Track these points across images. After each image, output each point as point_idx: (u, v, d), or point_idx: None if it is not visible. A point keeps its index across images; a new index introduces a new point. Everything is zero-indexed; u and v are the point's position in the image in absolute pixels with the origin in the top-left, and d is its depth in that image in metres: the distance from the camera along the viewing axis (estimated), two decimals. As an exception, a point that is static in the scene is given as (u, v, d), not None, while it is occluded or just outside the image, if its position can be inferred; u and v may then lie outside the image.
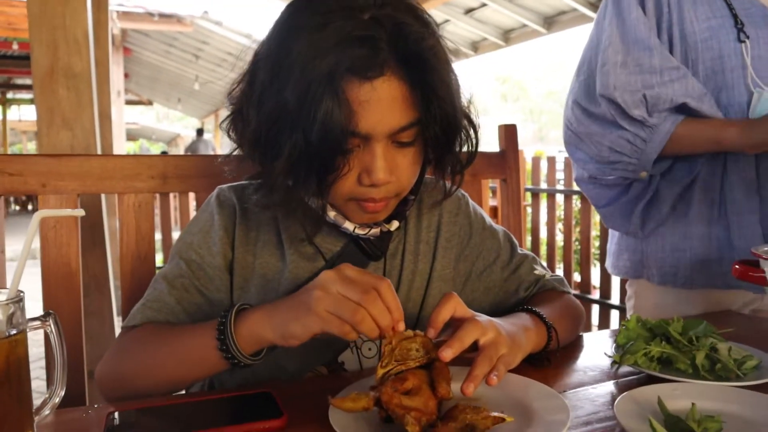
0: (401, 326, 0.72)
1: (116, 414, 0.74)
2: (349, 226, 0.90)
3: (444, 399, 0.68)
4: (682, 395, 0.76)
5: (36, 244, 1.09)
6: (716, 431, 0.66)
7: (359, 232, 0.91)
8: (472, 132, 0.92)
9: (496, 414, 0.66)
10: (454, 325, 0.76)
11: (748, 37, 1.26)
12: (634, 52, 1.28)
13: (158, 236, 4.82)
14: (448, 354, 0.70)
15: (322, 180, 0.82)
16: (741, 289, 1.32)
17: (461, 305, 0.77)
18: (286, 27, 0.82)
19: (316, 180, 0.82)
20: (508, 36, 7.29)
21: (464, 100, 0.89)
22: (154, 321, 0.91)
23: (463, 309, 0.77)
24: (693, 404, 0.69)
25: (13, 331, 0.62)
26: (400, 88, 0.79)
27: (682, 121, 1.26)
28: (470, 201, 1.09)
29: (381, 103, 0.78)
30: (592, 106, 1.32)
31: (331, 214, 0.90)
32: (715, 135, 1.22)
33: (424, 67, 0.79)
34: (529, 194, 4.60)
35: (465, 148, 0.93)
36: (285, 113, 0.79)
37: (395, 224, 0.94)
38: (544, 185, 4.54)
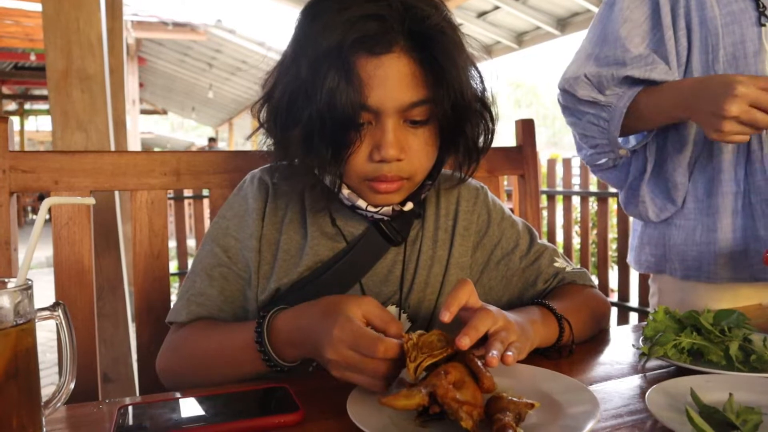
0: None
1: (127, 408, 0.72)
2: (362, 203, 0.91)
3: (489, 391, 0.67)
4: (715, 387, 0.72)
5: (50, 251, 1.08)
6: (756, 423, 0.63)
7: (371, 209, 0.92)
8: (487, 116, 0.92)
9: (527, 401, 0.66)
10: (464, 315, 0.75)
11: None
12: (604, 46, 1.29)
13: (173, 243, 4.87)
14: (465, 342, 0.68)
15: (336, 155, 0.84)
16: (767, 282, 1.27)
17: (474, 294, 0.76)
18: (310, 14, 0.86)
19: (331, 154, 0.84)
20: (521, 39, 7.27)
21: (475, 83, 0.89)
22: (200, 316, 0.93)
23: (475, 298, 0.76)
24: (730, 395, 0.66)
25: (21, 320, 0.61)
26: (409, 65, 0.81)
27: (639, 93, 1.24)
28: (489, 192, 1.07)
29: (389, 79, 0.81)
30: (560, 101, 1.39)
31: (345, 191, 0.91)
32: (671, 113, 1.21)
33: (433, 45, 0.81)
34: (544, 197, 4.55)
35: (481, 137, 0.93)
36: (300, 86, 0.83)
37: (409, 205, 0.95)
38: (560, 188, 4.48)
